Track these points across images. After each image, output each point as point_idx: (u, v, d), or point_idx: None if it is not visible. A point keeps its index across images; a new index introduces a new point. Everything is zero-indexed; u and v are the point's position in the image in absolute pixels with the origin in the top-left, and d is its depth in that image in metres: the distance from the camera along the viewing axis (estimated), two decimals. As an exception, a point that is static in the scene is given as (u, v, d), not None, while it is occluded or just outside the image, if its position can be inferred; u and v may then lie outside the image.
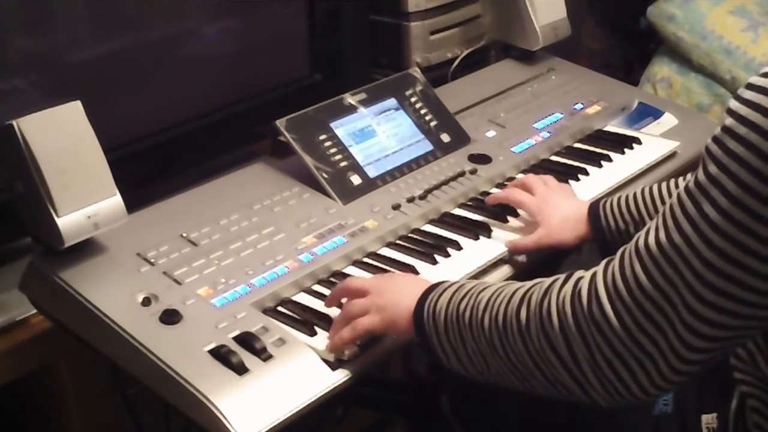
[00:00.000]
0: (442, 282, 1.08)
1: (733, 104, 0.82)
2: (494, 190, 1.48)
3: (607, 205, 1.31)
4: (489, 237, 1.35)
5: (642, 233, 0.89)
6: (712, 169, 0.82)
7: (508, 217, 1.39)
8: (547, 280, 0.96)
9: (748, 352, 1.02)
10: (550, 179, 1.43)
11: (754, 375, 1.02)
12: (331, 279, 1.24)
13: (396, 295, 1.09)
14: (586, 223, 1.32)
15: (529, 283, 0.98)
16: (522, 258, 1.33)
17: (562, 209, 1.34)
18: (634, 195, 1.30)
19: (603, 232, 1.30)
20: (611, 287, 0.89)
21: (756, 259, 0.81)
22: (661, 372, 0.88)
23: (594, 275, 0.91)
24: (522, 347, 0.95)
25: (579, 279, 0.93)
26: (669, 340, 0.87)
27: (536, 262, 1.34)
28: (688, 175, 0.87)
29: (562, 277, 0.95)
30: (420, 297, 1.06)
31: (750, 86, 0.82)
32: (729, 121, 0.82)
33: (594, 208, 1.32)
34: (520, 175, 1.52)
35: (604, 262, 0.92)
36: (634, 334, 0.87)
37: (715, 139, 0.83)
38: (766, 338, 0.99)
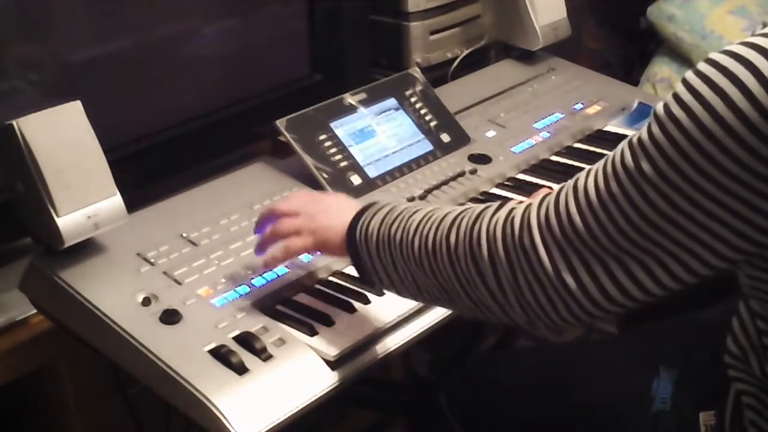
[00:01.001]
0: (374, 203, 1.09)
1: (688, 74, 0.84)
2: (494, 190, 1.48)
3: None
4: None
5: (582, 174, 0.91)
6: (655, 129, 0.84)
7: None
8: (478, 207, 0.98)
9: (741, 349, 1.03)
10: None
11: (747, 372, 1.03)
12: (331, 279, 1.24)
13: (327, 216, 1.11)
14: None
15: (460, 208, 1.00)
16: None
17: None
18: None
19: None
20: (543, 220, 0.90)
21: (688, 220, 0.83)
22: (583, 306, 0.90)
23: (529, 206, 0.93)
24: (450, 270, 0.96)
25: (513, 209, 0.94)
26: (597, 278, 0.88)
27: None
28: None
29: (495, 204, 0.97)
30: (352, 219, 1.07)
31: (707, 60, 0.83)
32: (679, 87, 0.83)
33: None
34: (521, 175, 1.53)
35: (540, 196, 0.94)
36: (559, 268, 0.89)
37: (664, 103, 0.84)
38: (759, 337, 0.99)
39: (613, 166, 0.87)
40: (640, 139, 0.85)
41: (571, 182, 0.91)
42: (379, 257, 1.04)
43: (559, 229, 0.89)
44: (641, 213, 0.85)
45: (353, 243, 1.06)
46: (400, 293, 1.06)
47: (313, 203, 1.15)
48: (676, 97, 0.83)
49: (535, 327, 0.94)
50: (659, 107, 0.85)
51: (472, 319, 1.02)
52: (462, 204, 1.44)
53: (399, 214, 1.04)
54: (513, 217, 0.93)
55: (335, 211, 1.11)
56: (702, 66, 0.83)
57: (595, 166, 0.90)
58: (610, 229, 0.86)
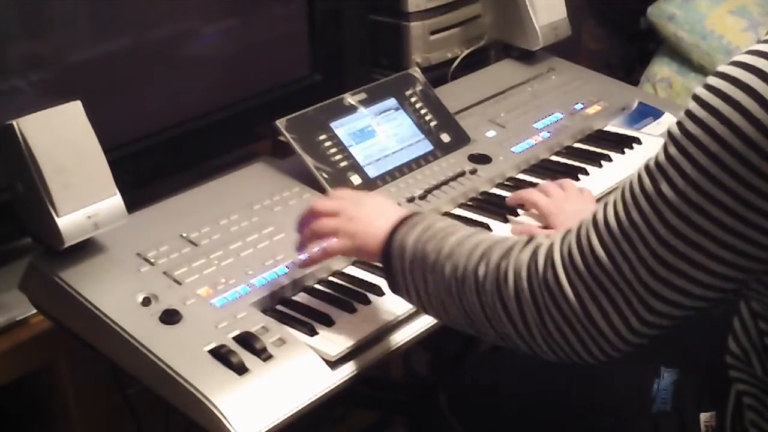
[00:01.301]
0: (412, 216, 1.08)
1: (698, 89, 0.83)
2: (494, 190, 1.48)
3: None
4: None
5: (600, 207, 0.90)
6: (672, 150, 0.83)
7: (508, 217, 1.39)
8: (509, 240, 0.98)
9: (742, 350, 1.03)
10: (568, 184, 1.43)
11: (748, 373, 1.03)
12: (331, 279, 1.24)
13: (367, 222, 1.11)
14: None
15: (492, 238, 0.99)
16: None
17: (571, 221, 1.33)
18: None
19: None
20: (566, 256, 0.90)
21: (710, 240, 0.83)
22: (610, 341, 0.90)
23: (552, 243, 0.93)
24: (476, 301, 0.96)
25: (539, 245, 0.94)
26: (620, 310, 0.88)
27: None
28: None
29: (523, 239, 0.96)
30: (391, 230, 1.07)
31: (716, 73, 0.83)
32: (692, 104, 0.83)
33: None
34: (521, 175, 1.53)
35: (562, 231, 0.93)
36: (586, 304, 0.89)
37: (678, 122, 0.84)
38: (761, 337, 0.99)
39: (632, 194, 0.87)
40: (657, 162, 0.85)
41: (590, 216, 0.91)
42: (411, 274, 1.04)
43: (582, 264, 0.89)
44: (662, 239, 0.84)
45: (388, 255, 1.06)
46: (427, 312, 1.06)
47: (354, 205, 1.14)
48: (690, 114, 0.83)
49: (562, 362, 0.94)
50: (673, 127, 0.84)
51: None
52: (463, 204, 1.44)
53: (435, 233, 1.03)
54: (537, 255, 0.92)
55: (375, 216, 1.11)
56: (712, 80, 0.82)
57: (612, 197, 0.90)
58: (632, 258, 0.86)
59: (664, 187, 0.83)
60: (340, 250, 1.12)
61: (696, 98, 0.83)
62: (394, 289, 1.08)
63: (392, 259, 1.05)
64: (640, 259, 0.85)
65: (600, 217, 0.89)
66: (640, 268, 0.86)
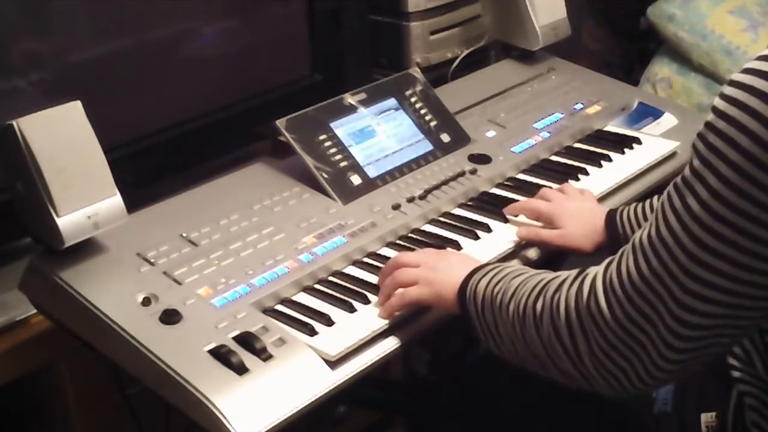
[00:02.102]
0: (486, 264, 1.12)
1: (716, 100, 0.84)
2: (494, 190, 1.48)
3: (624, 214, 1.31)
4: (489, 236, 1.35)
5: (637, 233, 0.92)
6: (696, 163, 0.85)
7: (508, 217, 1.39)
8: (564, 275, 1.00)
9: (744, 351, 1.03)
10: (568, 187, 1.44)
11: (750, 374, 1.03)
12: (331, 279, 1.24)
13: (445, 271, 1.14)
14: (602, 232, 1.32)
15: (550, 275, 1.02)
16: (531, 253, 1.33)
17: (576, 218, 1.33)
18: (651, 203, 1.30)
19: (620, 241, 1.30)
20: (607, 282, 0.92)
21: (735, 249, 0.83)
22: (654, 361, 0.90)
23: (597, 272, 0.95)
24: (536, 336, 0.99)
25: (586, 275, 0.96)
26: (657, 329, 0.89)
27: (544, 255, 1.34)
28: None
29: (575, 272, 0.99)
30: (465, 277, 1.10)
31: (731, 82, 0.84)
32: (711, 116, 0.84)
33: (611, 217, 1.32)
34: (521, 175, 1.53)
35: (606, 260, 0.95)
36: (624, 325, 0.90)
37: (699, 135, 0.85)
38: (762, 336, 0.99)
39: (663, 212, 0.88)
40: (683, 177, 0.86)
41: (629, 243, 0.93)
42: (484, 317, 1.07)
43: (619, 286, 0.91)
44: (689, 253, 0.85)
45: (464, 301, 1.09)
46: (502, 353, 1.08)
47: (436, 258, 1.18)
48: (709, 125, 0.84)
49: (618, 395, 0.96)
50: (695, 139, 0.85)
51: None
52: (463, 204, 1.44)
53: (503, 278, 1.07)
54: (583, 285, 0.95)
55: (452, 268, 1.14)
56: (727, 90, 0.83)
57: (648, 222, 0.91)
58: (663, 274, 0.87)
59: (690, 201, 0.85)
60: (417, 297, 1.14)
61: (714, 109, 0.83)
62: (474, 333, 1.10)
63: (467, 305, 1.09)
64: (670, 274, 0.87)
65: (636, 240, 0.91)
66: (671, 283, 0.87)
